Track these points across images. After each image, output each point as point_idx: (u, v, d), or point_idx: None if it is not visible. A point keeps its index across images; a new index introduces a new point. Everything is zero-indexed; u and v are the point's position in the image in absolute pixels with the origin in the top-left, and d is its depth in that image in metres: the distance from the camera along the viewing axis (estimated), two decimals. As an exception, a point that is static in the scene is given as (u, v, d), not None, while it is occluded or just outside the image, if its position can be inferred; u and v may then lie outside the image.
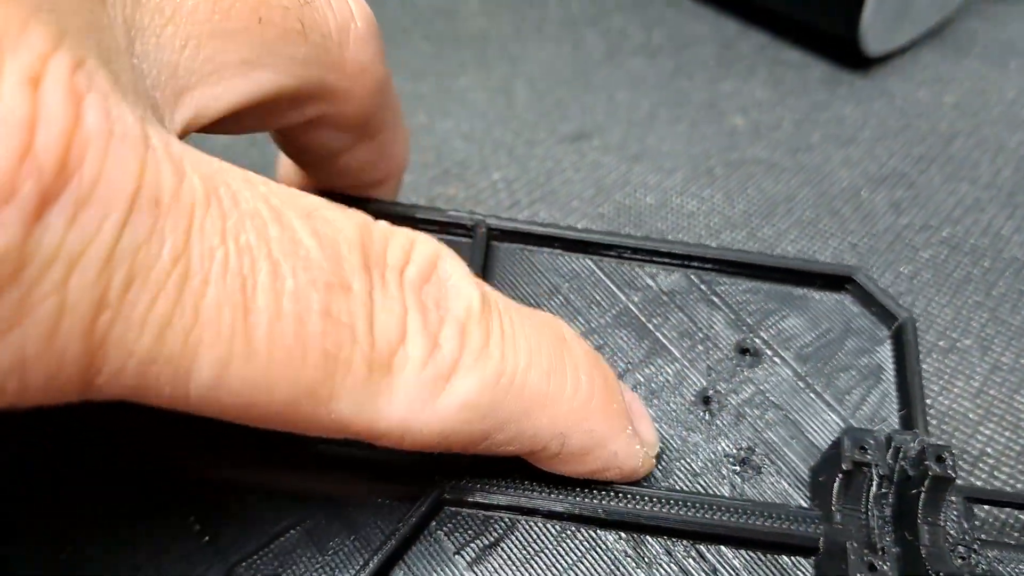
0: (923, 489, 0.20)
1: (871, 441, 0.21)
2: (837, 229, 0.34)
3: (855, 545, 0.20)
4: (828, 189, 0.36)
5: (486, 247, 0.26)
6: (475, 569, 0.20)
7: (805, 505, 0.22)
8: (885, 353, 0.25)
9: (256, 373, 0.14)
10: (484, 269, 0.25)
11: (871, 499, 0.21)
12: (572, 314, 0.25)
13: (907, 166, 0.37)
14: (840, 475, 0.21)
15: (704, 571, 0.21)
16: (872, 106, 0.40)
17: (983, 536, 0.21)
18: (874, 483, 0.21)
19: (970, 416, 0.28)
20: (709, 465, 0.23)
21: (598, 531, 0.21)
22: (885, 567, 0.19)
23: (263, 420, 0.15)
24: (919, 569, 0.19)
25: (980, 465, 0.27)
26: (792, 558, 0.21)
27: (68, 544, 0.20)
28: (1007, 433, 0.27)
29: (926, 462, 0.20)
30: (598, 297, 0.26)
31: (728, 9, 0.46)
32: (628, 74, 0.42)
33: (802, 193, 0.36)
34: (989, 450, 0.27)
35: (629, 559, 0.21)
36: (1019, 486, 0.26)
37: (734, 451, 0.23)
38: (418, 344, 0.16)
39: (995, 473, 0.26)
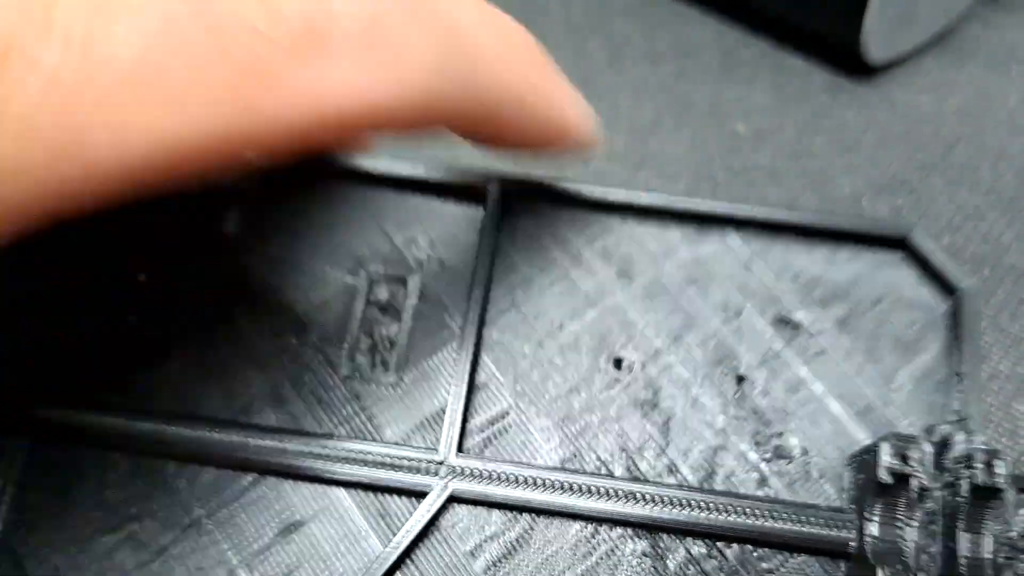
0: (966, 497, 0.19)
1: (912, 451, 0.19)
2: (838, 236, 0.34)
3: (886, 568, 0.19)
4: (829, 196, 0.36)
5: (500, 208, 0.24)
6: (488, 569, 0.21)
7: (838, 503, 0.21)
8: (938, 329, 0.23)
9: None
10: (498, 232, 0.24)
11: (909, 510, 0.20)
12: (599, 287, 0.24)
13: (908, 173, 0.37)
14: (877, 483, 0.20)
15: (725, 571, 0.20)
16: (874, 113, 0.40)
17: None
18: (914, 492, 0.19)
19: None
20: (738, 454, 0.22)
21: (617, 531, 0.21)
22: None
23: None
24: None
25: (978, 472, 0.27)
26: (822, 559, 0.20)
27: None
28: (1004, 440, 0.28)
29: (973, 467, 0.19)
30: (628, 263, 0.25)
31: (731, 15, 0.46)
32: (631, 80, 0.42)
33: (803, 200, 0.36)
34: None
35: (647, 558, 0.21)
36: None
37: (765, 437, 0.22)
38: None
39: (993, 480, 0.27)
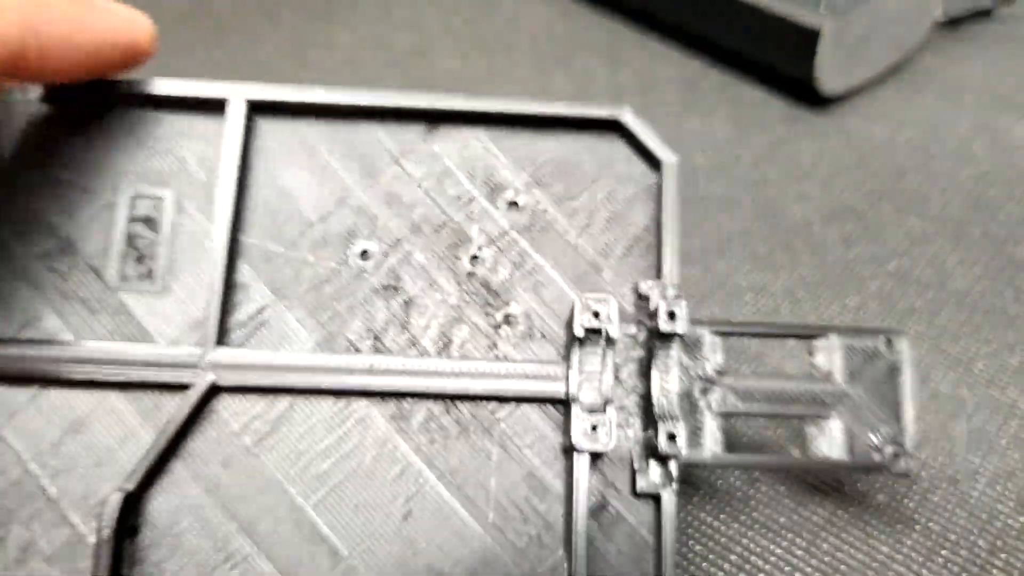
0: (656, 342, 0.23)
1: (601, 307, 0.23)
2: (788, 262, 0.36)
3: (581, 410, 0.23)
4: (782, 223, 0.37)
5: (246, 125, 0.25)
6: (256, 445, 0.23)
7: (556, 359, 0.24)
8: (649, 201, 0.26)
9: None
10: (247, 143, 0.25)
11: (603, 356, 0.24)
12: (344, 188, 0.26)
13: (859, 200, 0.39)
14: (577, 339, 0.23)
15: (461, 424, 0.24)
16: (829, 142, 0.42)
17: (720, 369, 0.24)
18: (604, 342, 0.23)
19: (906, 442, 0.29)
20: (471, 324, 0.25)
21: (366, 401, 0.24)
22: (612, 422, 0.23)
23: None
24: (649, 416, 0.23)
25: (914, 488, 0.28)
26: (543, 407, 0.24)
27: None
28: (940, 458, 0.29)
29: (659, 318, 0.23)
30: (374, 165, 0.26)
31: (692, 48, 0.47)
32: (595, 113, 0.43)
33: (756, 227, 0.37)
34: (924, 474, 0.28)
35: (394, 420, 0.24)
36: (949, 506, 0.28)
37: (494, 308, 0.25)
38: None
39: (927, 496, 0.28)
